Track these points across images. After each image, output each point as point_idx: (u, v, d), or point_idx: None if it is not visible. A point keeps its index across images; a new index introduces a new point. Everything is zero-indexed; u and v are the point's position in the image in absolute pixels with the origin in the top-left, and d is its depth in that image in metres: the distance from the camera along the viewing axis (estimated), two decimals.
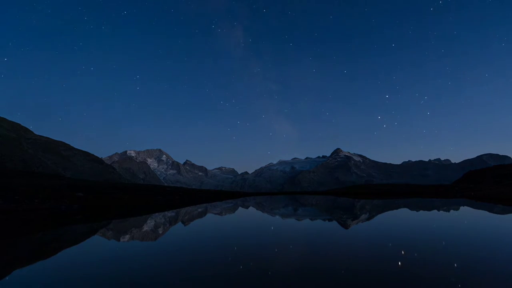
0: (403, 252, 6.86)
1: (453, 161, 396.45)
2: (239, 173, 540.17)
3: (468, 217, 16.54)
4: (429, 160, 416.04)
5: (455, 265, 5.62)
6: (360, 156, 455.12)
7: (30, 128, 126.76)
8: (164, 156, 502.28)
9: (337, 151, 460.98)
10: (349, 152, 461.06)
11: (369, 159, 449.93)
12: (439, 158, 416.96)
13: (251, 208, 28.56)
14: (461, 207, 23.87)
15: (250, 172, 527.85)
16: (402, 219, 15.48)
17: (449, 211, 20.08)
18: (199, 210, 26.49)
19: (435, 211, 20.57)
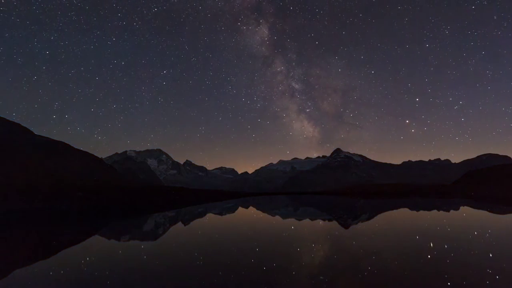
0: (403, 252, 6.86)
1: (453, 161, 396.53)
2: (239, 173, 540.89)
3: (468, 217, 16.54)
4: (429, 160, 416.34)
5: (455, 265, 5.62)
6: (360, 156, 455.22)
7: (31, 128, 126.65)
8: (164, 156, 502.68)
9: (337, 151, 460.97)
10: (349, 152, 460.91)
11: (369, 159, 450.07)
12: (439, 158, 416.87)
13: (251, 208, 28.56)
14: (461, 207, 23.86)
15: (250, 172, 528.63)
16: (402, 219, 15.48)
17: (449, 211, 20.08)
18: (199, 210, 26.49)
19: (435, 211, 20.57)
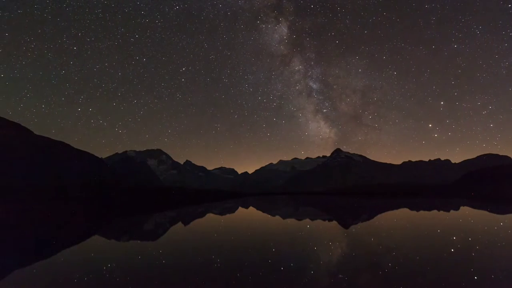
0: (403, 253, 6.86)
1: (453, 161, 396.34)
2: (239, 173, 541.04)
3: (468, 217, 16.52)
4: (429, 160, 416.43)
5: (455, 265, 5.62)
6: (360, 156, 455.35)
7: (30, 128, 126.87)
8: (164, 156, 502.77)
9: (337, 151, 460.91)
10: (349, 152, 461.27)
11: (369, 159, 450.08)
12: (439, 158, 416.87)
13: (251, 208, 28.56)
14: (461, 207, 23.86)
15: (250, 172, 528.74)
16: (402, 219, 15.47)
17: (449, 211, 20.07)
18: (199, 210, 26.49)
19: (435, 211, 20.56)
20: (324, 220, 15.85)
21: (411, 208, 23.55)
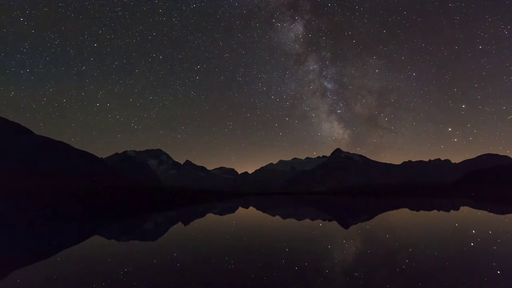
0: (402, 253, 6.86)
1: (453, 161, 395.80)
2: (239, 173, 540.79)
3: (468, 217, 16.52)
4: (429, 160, 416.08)
5: (455, 265, 5.62)
6: (360, 156, 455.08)
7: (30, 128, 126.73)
8: (164, 156, 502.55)
9: (337, 151, 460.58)
10: (349, 152, 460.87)
11: (369, 159, 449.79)
12: (439, 158, 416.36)
13: (251, 208, 28.56)
14: (461, 207, 23.85)
15: (250, 172, 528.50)
16: (402, 219, 15.47)
17: (449, 212, 20.07)
18: (199, 210, 26.50)
19: (435, 211, 20.57)
20: (324, 220, 15.85)
21: (411, 208, 23.55)
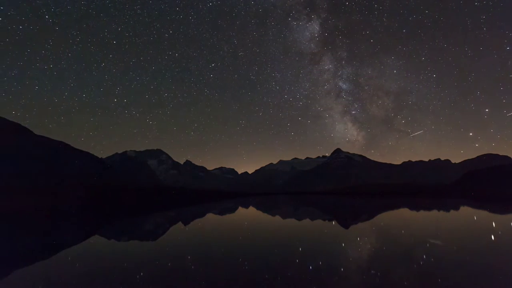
0: (402, 253, 6.86)
1: (453, 161, 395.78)
2: (239, 173, 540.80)
3: (468, 217, 16.51)
4: (429, 160, 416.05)
5: (455, 265, 5.62)
6: (360, 156, 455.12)
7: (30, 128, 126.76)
8: (164, 156, 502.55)
9: (337, 151, 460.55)
10: (349, 152, 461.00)
11: (369, 159, 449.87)
12: (439, 158, 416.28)
13: (251, 208, 28.55)
14: (461, 207, 23.85)
15: (250, 172, 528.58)
16: (402, 219, 15.46)
17: (449, 211, 20.07)
18: (199, 210, 26.50)
19: (435, 211, 20.56)
20: (324, 220, 15.85)
21: (411, 208, 23.55)
